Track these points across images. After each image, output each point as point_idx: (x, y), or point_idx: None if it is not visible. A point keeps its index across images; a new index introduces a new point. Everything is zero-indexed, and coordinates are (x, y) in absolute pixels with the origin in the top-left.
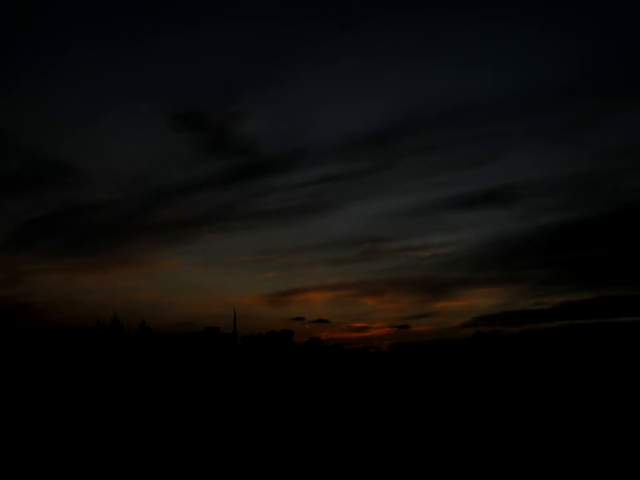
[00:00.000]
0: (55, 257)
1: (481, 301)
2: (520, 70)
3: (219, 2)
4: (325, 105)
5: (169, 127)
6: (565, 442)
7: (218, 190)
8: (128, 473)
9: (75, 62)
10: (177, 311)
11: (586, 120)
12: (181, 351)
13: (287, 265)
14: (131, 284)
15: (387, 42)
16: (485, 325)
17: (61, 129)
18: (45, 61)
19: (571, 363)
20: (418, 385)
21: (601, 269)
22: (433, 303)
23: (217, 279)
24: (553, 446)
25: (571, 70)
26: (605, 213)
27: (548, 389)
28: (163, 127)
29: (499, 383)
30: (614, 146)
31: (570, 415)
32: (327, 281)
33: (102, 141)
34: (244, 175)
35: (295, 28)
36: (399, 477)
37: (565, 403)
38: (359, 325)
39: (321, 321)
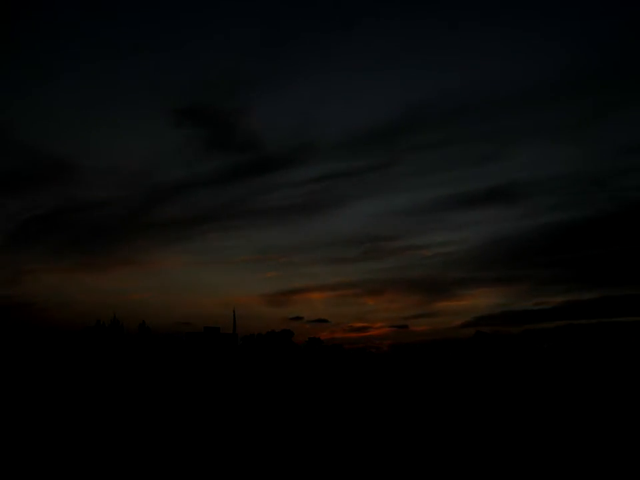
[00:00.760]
0: (54, 256)
1: (482, 300)
2: (524, 67)
3: None
4: (329, 100)
5: (170, 122)
6: (565, 442)
7: (219, 188)
8: (128, 473)
9: (74, 58)
10: (177, 310)
11: (591, 117)
12: (180, 351)
13: (288, 264)
14: (131, 283)
15: (391, 39)
16: (486, 325)
17: (60, 125)
18: (44, 57)
19: (572, 363)
20: (418, 385)
21: (604, 268)
22: (434, 303)
23: (217, 278)
24: (553, 446)
25: (576, 67)
26: (609, 211)
27: (549, 389)
28: (164, 123)
29: (499, 383)
30: (621, 143)
31: (571, 415)
32: (328, 281)
33: (102, 138)
34: (246, 172)
35: (300, 23)
36: (399, 477)
37: (566, 403)
38: (359, 324)
39: (319, 320)
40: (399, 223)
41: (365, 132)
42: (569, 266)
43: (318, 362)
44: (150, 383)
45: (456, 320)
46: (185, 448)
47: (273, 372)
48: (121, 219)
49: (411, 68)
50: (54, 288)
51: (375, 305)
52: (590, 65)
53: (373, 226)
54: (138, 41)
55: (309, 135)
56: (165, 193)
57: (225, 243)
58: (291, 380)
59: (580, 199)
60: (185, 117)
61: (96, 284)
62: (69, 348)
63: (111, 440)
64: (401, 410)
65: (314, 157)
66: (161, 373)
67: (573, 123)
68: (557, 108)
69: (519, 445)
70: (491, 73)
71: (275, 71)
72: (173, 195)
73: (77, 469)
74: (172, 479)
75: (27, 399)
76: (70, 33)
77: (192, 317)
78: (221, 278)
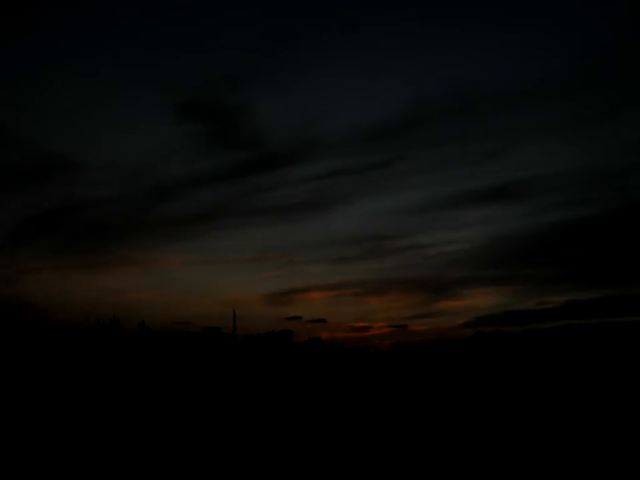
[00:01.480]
0: (54, 255)
1: (483, 300)
2: (533, 62)
3: None
4: (333, 97)
5: (171, 118)
6: (566, 442)
7: (220, 185)
8: (128, 472)
9: (74, 53)
10: (177, 310)
11: (598, 114)
12: (180, 351)
13: (289, 264)
14: (131, 283)
15: (399, 33)
16: (487, 325)
17: (60, 122)
18: (44, 52)
19: (573, 363)
20: (417, 385)
21: (607, 267)
22: (435, 303)
23: (217, 277)
24: (554, 446)
25: (582, 63)
26: (614, 209)
27: (550, 389)
28: (165, 119)
29: (499, 383)
30: (628, 140)
31: (572, 415)
32: (329, 280)
33: (102, 134)
34: (248, 170)
35: (303, 19)
36: (400, 477)
37: (567, 403)
38: (360, 324)
39: (318, 320)
40: (401, 222)
41: (369, 129)
42: (573, 265)
43: (318, 362)
44: (150, 383)
45: (457, 320)
46: (186, 447)
47: (273, 372)
48: (121, 217)
49: (415, 64)
50: (53, 287)
51: (375, 305)
52: (597, 61)
53: (375, 224)
54: (139, 35)
55: (312, 132)
56: (166, 191)
57: (226, 241)
58: (291, 380)
59: (585, 197)
60: (187, 113)
61: (96, 283)
62: (69, 347)
63: (111, 440)
64: (400, 410)
65: (316, 154)
66: (160, 372)
67: (579, 120)
68: (563, 105)
69: (519, 445)
70: (496, 69)
71: (278, 67)
72: (173, 193)
73: (77, 469)
74: (172, 479)
75: (26, 399)
76: (70, 28)
77: (192, 317)
78: (222, 277)
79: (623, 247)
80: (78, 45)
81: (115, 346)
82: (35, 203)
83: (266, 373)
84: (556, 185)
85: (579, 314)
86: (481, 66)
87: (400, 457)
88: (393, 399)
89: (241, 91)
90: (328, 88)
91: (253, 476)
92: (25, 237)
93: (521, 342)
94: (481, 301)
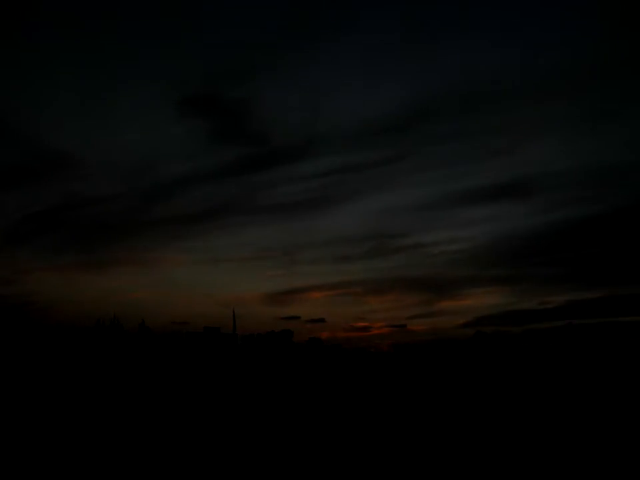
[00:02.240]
0: (54, 254)
1: (485, 300)
2: (542, 54)
3: None
4: (340, 90)
5: (173, 113)
6: (567, 442)
7: (222, 183)
8: (128, 472)
9: (74, 48)
10: (177, 310)
11: (608, 109)
12: (180, 351)
13: (290, 263)
14: (131, 282)
15: (405, 26)
16: (488, 325)
17: (60, 118)
18: (43, 47)
19: (575, 364)
20: (417, 385)
21: (610, 266)
22: (436, 302)
23: (218, 277)
24: (554, 446)
25: (597, 53)
26: (624, 206)
27: (550, 389)
28: (166, 114)
29: (499, 383)
30: (637, 136)
31: (573, 415)
32: (331, 279)
33: (102, 130)
34: (250, 167)
35: (308, 11)
36: (400, 476)
37: (568, 403)
38: (360, 324)
39: (317, 320)
40: (404, 220)
41: (373, 125)
42: (575, 264)
43: (318, 362)
44: (150, 383)
45: (457, 319)
46: (186, 447)
47: (273, 372)
48: (121, 215)
49: (419, 61)
50: (53, 287)
51: (376, 305)
52: (616, 50)
53: (379, 223)
54: (140, 26)
55: (320, 126)
56: (167, 189)
57: (227, 240)
58: (292, 380)
59: (598, 194)
60: (188, 108)
61: (96, 282)
62: (69, 347)
63: (111, 439)
64: (400, 409)
65: (323, 149)
66: (161, 372)
67: (585, 117)
68: (568, 102)
69: (519, 445)
70: (501, 65)
71: (286, 58)
72: (174, 191)
73: (78, 468)
74: (172, 479)
75: (26, 399)
76: (70, 22)
77: (192, 317)
78: (222, 276)
79: (626, 246)
80: (77, 40)
81: (115, 346)
82: (33, 202)
83: (266, 373)
84: (561, 183)
85: (581, 314)
86: (485, 63)
87: (400, 457)
88: (392, 399)
89: (243, 86)
90: (333, 83)
91: (254, 476)
92: (24, 236)
93: (521, 342)
94: (482, 300)
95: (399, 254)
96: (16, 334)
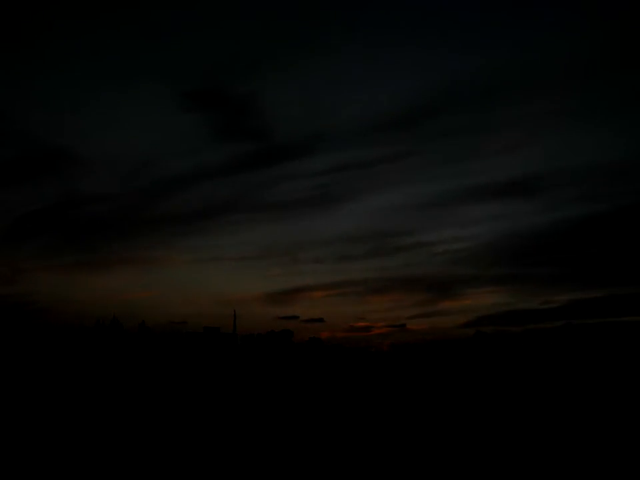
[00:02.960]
0: (53, 253)
1: (486, 299)
2: (552, 46)
3: None
4: (344, 86)
5: (174, 109)
6: (567, 442)
7: (224, 180)
8: (128, 471)
9: (74, 42)
10: (177, 310)
11: (618, 103)
12: (180, 351)
13: (292, 262)
14: (131, 282)
15: (410, 22)
16: (489, 324)
17: (59, 113)
18: (42, 42)
19: (576, 363)
20: (417, 385)
21: (613, 265)
22: (438, 302)
23: (218, 276)
24: (554, 446)
25: (609, 45)
26: (627, 204)
27: (550, 388)
28: (168, 110)
29: (499, 383)
30: None
31: (573, 416)
32: (332, 279)
33: (103, 125)
34: (253, 163)
35: (316, 4)
36: (401, 476)
37: (568, 403)
38: (361, 324)
39: (316, 320)
40: (409, 218)
41: (379, 121)
42: (578, 263)
43: (318, 362)
44: (150, 383)
45: (459, 319)
46: (186, 447)
47: (273, 372)
48: (122, 214)
49: (426, 55)
50: (53, 286)
51: (377, 304)
52: (628, 41)
53: (382, 221)
54: (140, 19)
55: (324, 121)
56: (168, 186)
57: (228, 239)
58: (292, 380)
59: (606, 191)
60: (190, 103)
61: (96, 282)
62: (69, 347)
63: (111, 439)
64: (400, 409)
65: (328, 145)
66: (160, 372)
67: (597, 111)
68: (580, 96)
69: (519, 445)
70: (511, 59)
71: (286, 56)
72: (175, 188)
73: (77, 468)
74: (172, 478)
75: (26, 398)
76: (71, 17)
77: (192, 316)
78: (223, 276)
79: (629, 245)
80: (78, 34)
81: (115, 346)
82: (33, 199)
83: (266, 373)
84: (574, 179)
85: (582, 313)
86: (494, 57)
87: (400, 457)
88: (393, 399)
89: (247, 81)
90: (337, 79)
91: (254, 476)
92: (23, 235)
93: (521, 342)
94: (483, 300)
95: (402, 253)
96: (16, 334)
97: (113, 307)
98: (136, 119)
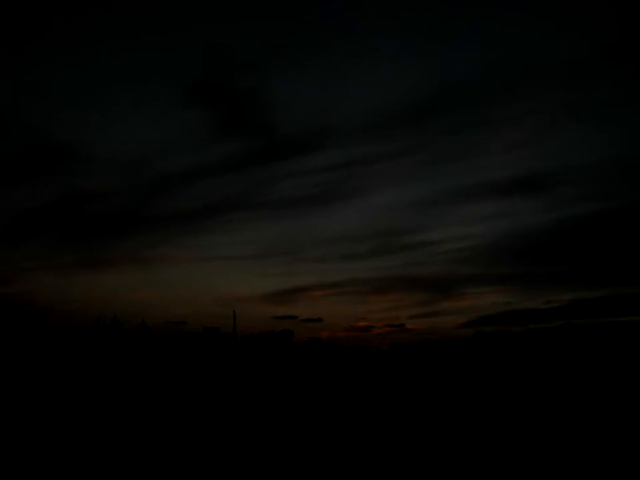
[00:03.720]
0: (53, 252)
1: (487, 299)
2: (561, 40)
3: None
4: (350, 82)
5: (177, 104)
6: (567, 442)
7: (226, 177)
8: (128, 471)
9: (76, 37)
10: (177, 309)
11: (629, 99)
12: (180, 351)
13: (293, 261)
14: (131, 281)
15: (417, 17)
16: (489, 324)
17: (61, 109)
18: (43, 38)
19: (577, 363)
20: (417, 385)
21: (616, 265)
22: (439, 302)
23: (219, 276)
24: (554, 446)
25: (609, 45)
26: (631, 203)
27: (550, 388)
28: (170, 105)
29: (499, 383)
30: None
31: (573, 416)
32: (333, 278)
33: (103, 122)
34: (256, 160)
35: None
36: (401, 476)
37: (568, 403)
38: (361, 324)
39: (313, 320)
40: (413, 216)
41: (383, 118)
42: (581, 262)
43: (318, 361)
44: (150, 382)
45: (460, 319)
46: (186, 447)
47: (273, 371)
48: (122, 212)
49: (434, 51)
50: (52, 286)
51: (378, 304)
52: (614, 48)
53: (385, 219)
54: (141, 14)
55: (330, 117)
56: (169, 183)
57: (229, 238)
58: (292, 380)
59: (603, 191)
60: (193, 97)
61: (96, 282)
62: (69, 347)
63: (111, 439)
64: (400, 409)
65: (332, 142)
66: (160, 372)
67: (607, 107)
68: (590, 92)
69: (519, 445)
70: (520, 57)
71: (296, 47)
72: (176, 186)
73: (77, 467)
74: (172, 478)
75: (26, 398)
76: (73, 12)
77: (192, 316)
78: (223, 275)
79: (631, 244)
80: (80, 29)
81: (114, 345)
82: (32, 197)
83: (266, 373)
84: (583, 177)
85: (584, 313)
86: (503, 53)
87: (401, 456)
88: (393, 399)
89: (251, 76)
90: (343, 74)
91: (254, 475)
92: (22, 234)
93: (521, 341)
94: (485, 299)
95: (406, 252)
96: (15, 333)
97: (112, 306)
98: (137, 115)
